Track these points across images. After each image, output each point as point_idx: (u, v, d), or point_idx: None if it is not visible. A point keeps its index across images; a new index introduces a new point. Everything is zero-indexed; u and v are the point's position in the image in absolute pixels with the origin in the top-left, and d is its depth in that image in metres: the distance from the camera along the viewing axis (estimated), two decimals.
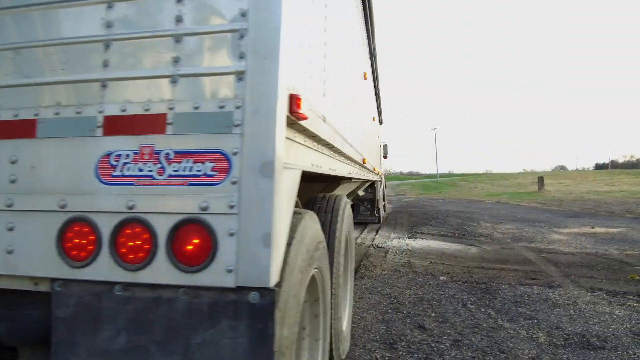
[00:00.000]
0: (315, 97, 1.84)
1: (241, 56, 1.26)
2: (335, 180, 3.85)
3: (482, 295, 5.44)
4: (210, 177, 1.25)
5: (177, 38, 1.32)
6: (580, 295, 5.52)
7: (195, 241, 1.26)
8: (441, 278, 6.37)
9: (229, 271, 1.23)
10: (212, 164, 1.26)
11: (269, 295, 1.22)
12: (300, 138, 1.71)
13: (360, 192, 10.36)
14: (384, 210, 18.55)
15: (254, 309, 1.22)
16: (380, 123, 14.79)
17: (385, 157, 18.09)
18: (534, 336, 4.16)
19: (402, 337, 3.92)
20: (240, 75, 1.25)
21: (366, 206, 12.36)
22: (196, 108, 1.28)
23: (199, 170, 1.26)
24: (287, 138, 1.45)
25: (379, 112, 12.02)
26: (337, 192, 4.81)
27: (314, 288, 2.13)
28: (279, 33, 1.23)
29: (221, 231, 1.24)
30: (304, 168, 1.69)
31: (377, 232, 11.57)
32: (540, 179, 35.45)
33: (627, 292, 5.70)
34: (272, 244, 1.21)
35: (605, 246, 9.40)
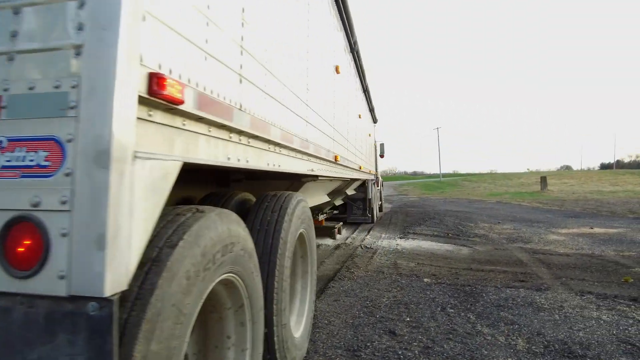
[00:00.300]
0: (222, 83, 1.65)
1: (80, 27, 1.08)
2: (296, 178, 3.67)
3: (464, 299, 5.24)
4: (43, 168, 1.08)
5: (16, 9, 1.14)
6: (568, 298, 5.30)
7: (27, 242, 1.08)
8: (425, 280, 6.17)
9: (61, 277, 1.05)
10: (46, 153, 1.08)
11: (107, 307, 1.04)
12: (198, 127, 1.53)
13: (350, 191, 10.17)
14: (380, 210, 18.35)
15: (92, 321, 1.04)
16: (375, 121, 14.59)
17: (382, 156, 17.88)
18: (512, 343, 3.95)
19: (369, 344, 3.73)
20: (77, 50, 1.07)
21: (358, 206, 12.17)
22: (31, 89, 1.10)
23: (31, 160, 1.09)
24: (157, 123, 1.27)
25: (371, 110, 11.83)
26: (308, 191, 4.64)
27: (235, 294, 1.95)
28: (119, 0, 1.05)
29: (53, 231, 1.06)
30: (194, 160, 1.50)
31: (369, 232, 11.37)
32: (543, 179, 35.05)
33: (618, 295, 5.48)
34: (108, 246, 1.03)
35: (602, 247, 9.15)
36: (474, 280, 6.16)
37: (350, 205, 12.44)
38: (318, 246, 9.07)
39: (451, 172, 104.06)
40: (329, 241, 9.81)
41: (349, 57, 5.99)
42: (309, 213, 3.39)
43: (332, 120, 4.69)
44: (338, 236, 10.47)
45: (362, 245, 9.04)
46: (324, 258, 7.82)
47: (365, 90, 9.30)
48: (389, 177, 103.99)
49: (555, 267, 7.18)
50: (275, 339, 2.52)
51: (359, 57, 6.66)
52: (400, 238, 10.36)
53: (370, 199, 12.21)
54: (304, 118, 3.11)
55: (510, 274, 6.62)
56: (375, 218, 13.17)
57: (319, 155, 3.77)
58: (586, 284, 6.04)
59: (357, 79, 7.49)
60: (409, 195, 38.14)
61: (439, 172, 74.18)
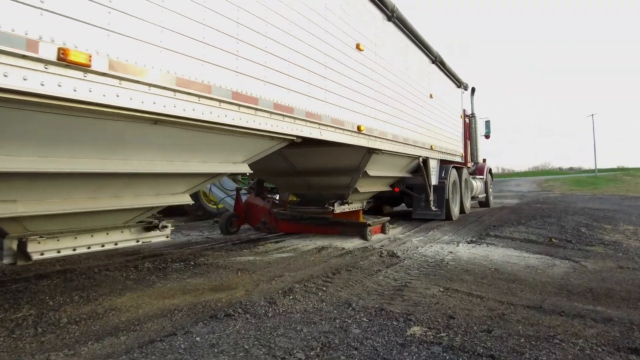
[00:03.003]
0: None
1: None
2: None
3: None
4: None
5: None
6: None
7: None
8: (410, 331, 3.07)
9: None
10: None
11: None
12: None
13: (387, 172, 7.06)
14: (486, 205, 14.54)
15: None
16: (461, 87, 11.05)
17: (487, 136, 14.20)
18: None
19: None
20: None
21: (423, 197, 8.88)
22: None
23: None
24: None
25: (435, 61, 8.46)
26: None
27: None
28: None
29: None
30: None
31: (428, 232, 8.05)
32: None
33: None
34: None
35: None
36: (519, 343, 2.88)
37: (417, 197, 9.21)
38: (320, 249, 6.22)
39: (615, 167, 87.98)
40: (354, 242, 6.88)
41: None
42: None
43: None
44: (377, 236, 7.48)
45: (388, 252, 5.95)
46: (298, 269, 4.99)
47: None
48: (538, 172, 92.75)
49: None
50: None
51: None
52: (469, 243, 6.94)
53: (437, 187, 8.85)
54: None
55: (616, 328, 3.17)
56: (452, 214, 9.66)
57: None
58: None
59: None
60: (552, 192, 31.78)
61: (601, 167, 62.36)
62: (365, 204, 7.45)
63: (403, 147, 6.62)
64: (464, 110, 12.55)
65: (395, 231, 8.17)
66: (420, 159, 7.72)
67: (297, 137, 4.05)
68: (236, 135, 3.43)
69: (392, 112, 6.23)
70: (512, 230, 8.22)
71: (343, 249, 6.31)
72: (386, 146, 5.96)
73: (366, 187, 6.74)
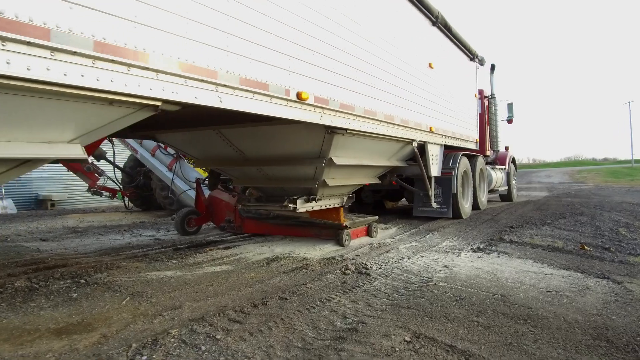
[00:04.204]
0: None
1: None
2: None
3: None
4: None
5: None
6: None
7: None
8: None
9: None
10: None
11: None
12: None
13: (376, 161, 5.53)
14: (508, 199, 12.85)
15: None
16: (478, 62, 9.35)
17: (509, 121, 12.52)
18: None
19: None
20: None
21: (426, 192, 7.30)
22: None
23: None
24: None
25: (453, 37, 6.84)
26: None
27: None
28: None
29: None
30: None
31: (428, 233, 6.49)
32: None
33: None
34: None
35: None
36: None
37: (417, 192, 7.65)
38: (272, 260, 4.79)
39: None
40: (324, 249, 5.43)
41: None
42: None
43: None
44: (360, 240, 6.00)
45: (358, 266, 4.46)
46: (215, 294, 3.56)
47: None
48: (570, 162, 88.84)
49: None
50: None
51: None
52: (474, 251, 5.38)
53: (441, 179, 7.28)
54: None
55: None
56: (462, 210, 8.02)
57: None
58: None
59: None
60: (585, 183, 29.37)
61: (631, 157, 58.40)
62: (345, 199, 5.97)
63: (385, 128, 5.06)
64: (481, 91, 10.84)
65: (386, 233, 6.65)
66: (415, 143, 6.14)
67: (166, 101, 2.58)
68: (26, 96, 2.00)
69: (365, 78, 4.66)
70: (534, 233, 6.59)
71: (304, 259, 4.85)
72: (355, 125, 4.43)
73: (339, 180, 5.23)
